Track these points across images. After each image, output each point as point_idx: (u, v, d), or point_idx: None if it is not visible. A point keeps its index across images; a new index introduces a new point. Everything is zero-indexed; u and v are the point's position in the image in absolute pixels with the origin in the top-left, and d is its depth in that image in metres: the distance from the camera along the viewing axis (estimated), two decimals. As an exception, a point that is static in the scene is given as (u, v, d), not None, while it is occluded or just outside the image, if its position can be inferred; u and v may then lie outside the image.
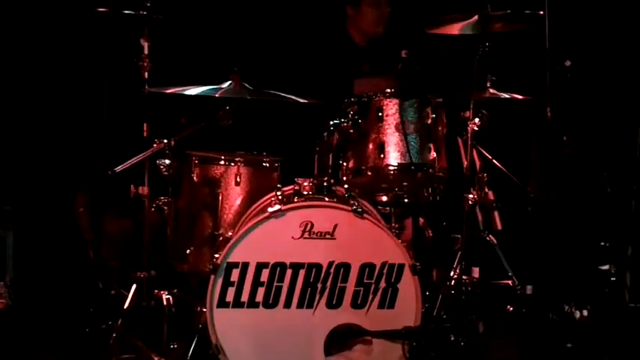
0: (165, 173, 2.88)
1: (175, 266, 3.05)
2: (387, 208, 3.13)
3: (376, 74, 3.52)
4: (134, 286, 3.05)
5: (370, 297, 2.64)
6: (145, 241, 3.12)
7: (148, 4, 3.16)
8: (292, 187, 2.88)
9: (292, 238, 2.66)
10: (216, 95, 2.87)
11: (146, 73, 3.19)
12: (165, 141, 2.89)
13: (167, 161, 2.85)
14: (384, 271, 2.65)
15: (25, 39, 3.54)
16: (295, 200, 2.76)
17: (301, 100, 2.99)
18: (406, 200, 3.11)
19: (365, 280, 2.65)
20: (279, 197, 2.75)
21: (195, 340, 2.78)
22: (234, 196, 3.07)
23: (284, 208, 2.68)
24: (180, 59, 3.56)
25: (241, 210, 3.03)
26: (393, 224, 3.00)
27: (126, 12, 3.15)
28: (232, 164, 3.07)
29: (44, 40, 3.56)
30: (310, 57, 3.57)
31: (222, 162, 3.08)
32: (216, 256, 2.67)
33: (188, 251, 3.06)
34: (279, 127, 3.60)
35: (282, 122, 3.55)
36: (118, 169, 2.82)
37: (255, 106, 3.19)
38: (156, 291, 2.93)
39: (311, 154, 3.13)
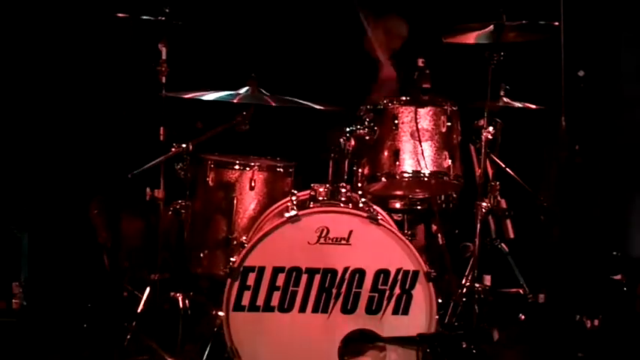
0: (183, 177, 2.91)
1: (189, 269, 3.08)
2: (401, 215, 3.16)
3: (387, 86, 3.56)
4: (148, 289, 3.08)
5: (384, 303, 2.66)
6: (159, 244, 3.15)
7: (167, 10, 3.19)
8: (308, 192, 2.90)
9: (308, 243, 2.68)
10: (235, 101, 2.90)
11: (164, 78, 3.23)
12: (184, 145, 2.92)
13: (185, 165, 2.88)
14: (399, 277, 2.67)
15: (45, 43, 3.57)
16: (311, 206, 2.79)
17: (318, 107, 3.02)
18: (420, 207, 3.13)
19: (379, 286, 2.67)
20: (295, 202, 2.78)
21: (211, 342, 2.80)
22: (248, 201, 3.09)
23: (300, 213, 2.70)
24: (198, 64, 3.59)
25: (256, 214, 3.06)
26: (407, 231, 3.03)
27: (145, 17, 3.19)
28: (247, 169, 3.09)
29: (64, 44, 3.59)
30: (327, 63, 3.60)
31: (237, 166, 3.11)
32: (233, 259, 2.70)
33: (202, 254, 3.08)
34: (294, 133, 3.62)
35: (297, 128, 3.58)
36: (137, 172, 2.84)
37: (270, 112, 3.22)
38: (171, 293, 2.97)
39: (326, 160, 3.16)
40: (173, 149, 2.94)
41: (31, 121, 3.59)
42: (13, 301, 3.17)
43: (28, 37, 3.52)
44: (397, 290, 2.66)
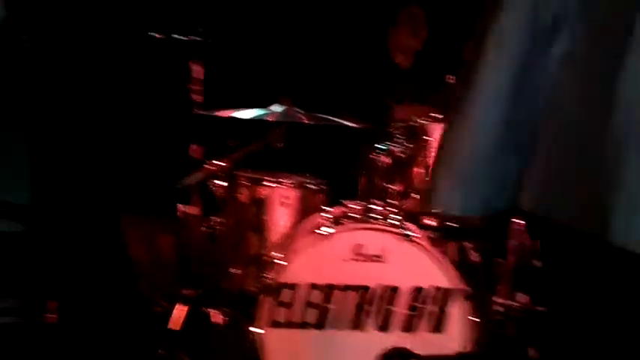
0: (218, 194, 2.93)
1: (221, 285, 3.08)
2: (434, 232, 3.14)
3: (416, 102, 3.57)
4: (180, 304, 3.08)
5: (420, 321, 2.65)
6: (192, 260, 3.17)
7: (200, 30, 3.23)
8: (341, 209, 2.91)
9: (342, 260, 2.68)
10: (270, 119, 2.93)
11: (196, 96, 3.26)
12: (221, 163, 2.94)
13: (221, 182, 2.90)
14: (434, 294, 2.66)
15: (80, 61, 3.63)
16: (345, 222, 2.79)
17: (351, 125, 3.03)
18: (453, 224, 3.12)
19: (414, 304, 2.66)
20: (328, 219, 2.78)
21: (244, 359, 2.80)
22: (280, 217, 3.10)
23: (334, 230, 2.71)
24: (229, 82, 3.63)
25: (288, 231, 3.06)
26: (441, 248, 3.01)
27: (177, 37, 3.23)
28: (278, 185, 3.11)
29: (99, 63, 3.65)
30: (356, 80, 3.62)
31: (268, 183, 3.12)
32: (266, 276, 2.70)
33: (234, 270, 3.09)
34: (325, 149, 3.64)
35: (328, 144, 3.59)
36: (176, 188, 2.87)
37: (301, 128, 3.24)
38: (203, 309, 2.97)
39: (357, 177, 3.17)
40: (207, 166, 2.96)
41: (61, 136, 3.62)
42: (47, 315, 3.19)
43: (63, 55, 3.58)
44: (432, 308, 2.65)
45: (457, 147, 1.55)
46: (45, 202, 3.48)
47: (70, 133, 3.52)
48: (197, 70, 3.27)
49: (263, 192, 3.12)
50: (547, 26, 1.45)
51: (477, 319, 2.67)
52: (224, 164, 2.97)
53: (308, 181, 3.17)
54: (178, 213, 3.20)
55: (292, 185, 3.11)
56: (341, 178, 3.25)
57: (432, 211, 3.01)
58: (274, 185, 3.10)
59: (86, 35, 3.52)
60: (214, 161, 3.00)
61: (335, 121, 3.04)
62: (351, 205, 2.89)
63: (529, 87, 1.48)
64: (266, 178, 3.13)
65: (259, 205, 3.11)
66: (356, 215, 2.84)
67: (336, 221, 2.80)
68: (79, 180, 3.56)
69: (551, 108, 1.47)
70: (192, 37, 3.21)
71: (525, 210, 1.52)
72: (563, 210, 1.46)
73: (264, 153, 3.18)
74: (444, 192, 1.56)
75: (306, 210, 3.09)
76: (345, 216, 2.86)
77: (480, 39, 1.51)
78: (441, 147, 1.59)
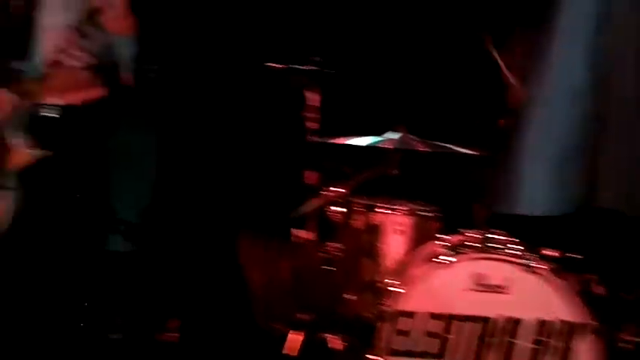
0: (334, 220, 2.97)
1: (337, 310, 3.10)
2: (556, 263, 3.05)
3: None
4: (296, 329, 3.13)
5: (544, 356, 2.57)
6: (306, 285, 3.21)
7: (317, 59, 3.31)
8: (459, 237, 2.87)
9: (462, 289, 2.65)
10: (386, 147, 2.95)
11: (312, 123, 3.33)
12: (338, 189, 2.98)
13: (339, 209, 2.94)
14: (559, 328, 2.57)
15: (201, 90, 3.78)
16: (464, 251, 2.76)
17: (466, 151, 3.00)
18: (576, 255, 3.02)
19: (538, 338, 2.58)
20: (446, 247, 2.76)
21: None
22: (395, 244, 3.10)
23: (454, 258, 2.68)
24: (343, 109, 3.68)
25: (403, 258, 3.05)
26: (563, 279, 2.92)
27: (295, 67, 3.32)
28: (394, 212, 3.11)
29: (218, 91, 3.79)
30: (470, 106, 3.58)
31: (383, 210, 3.13)
32: (384, 303, 2.70)
33: (350, 296, 3.10)
34: (439, 176, 3.61)
35: (443, 171, 3.57)
36: (297, 213, 2.93)
37: (416, 155, 3.23)
38: (319, 334, 3.00)
39: (473, 204, 3.12)
40: (328, 192, 3.00)
41: (183, 160, 3.76)
42: (168, 334, 3.30)
43: (189, 85, 3.73)
44: (557, 343, 2.57)
45: (536, 147, 1.52)
46: (162, 222, 3.63)
47: (192, 158, 3.67)
48: (313, 98, 3.34)
49: (377, 219, 3.13)
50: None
51: (605, 357, 2.56)
52: (341, 191, 3.01)
53: (422, 208, 3.16)
54: (293, 238, 3.26)
55: (406, 212, 3.10)
56: (456, 205, 3.22)
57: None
58: (389, 212, 3.11)
59: (207, 66, 3.67)
60: (331, 188, 3.04)
61: (450, 149, 3.02)
62: (469, 234, 2.85)
63: (601, 81, 1.44)
64: (381, 204, 3.14)
65: (374, 231, 3.12)
66: (475, 244, 2.80)
67: (455, 250, 2.77)
68: (198, 202, 3.69)
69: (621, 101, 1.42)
70: (309, 67, 3.30)
71: (606, 207, 1.47)
72: None
73: (379, 180, 3.20)
74: (524, 192, 1.53)
75: (420, 237, 3.07)
76: (463, 244, 2.82)
77: (546, 38, 1.48)
78: (519, 147, 1.56)
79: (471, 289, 2.64)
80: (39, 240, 2.73)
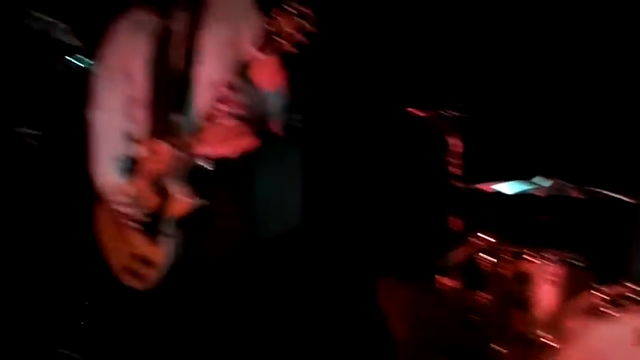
0: (483, 268, 2.90)
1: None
2: None
3: None
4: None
5: None
6: (453, 334, 3.13)
7: (459, 105, 3.29)
8: (618, 289, 2.72)
9: (626, 346, 2.49)
10: (539, 194, 2.86)
11: (455, 169, 3.30)
12: (486, 237, 2.92)
13: (487, 257, 2.87)
14: None
15: (344, 139, 3.85)
16: (627, 304, 2.60)
17: (625, 199, 2.86)
18: None
19: None
20: (608, 300, 2.61)
21: None
22: (548, 295, 2.98)
23: (616, 312, 2.53)
24: (486, 153, 3.63)
25: (556, 310, 2.92)
26: None
27: (438, 112, 3.31)
28: (545, 261, 2.99)
29: (361, 139, 3.85)
30: (623, 149, 3.43)
31: (534, 259, 3.02)
32: (538, 357, 2.59)
33: (501, 348, 3.00)
34: (592, 223, 3.46)
35: (595, 218, 3.41)
36: (445, 261, 2.90)
37: (566, 201, 3.11)
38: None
39: (627, 254, 2.95)
40: (477, 241, 2.94)
41: (332, 202, 3.79)
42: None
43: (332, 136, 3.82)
44: None
45: None
46: (307, 267, 3.68)
47: (337, 203, 3.72)
48: (455, 144, 3.31)
49: (527, 267, 3.02)
50: None
51: None
52: (491, 239, 2.94)
53: (574, 257, 3.02)
54: (438, 285, 3.21)
55: (557, 261, 2.97)
56: (609, 255, 3.05)
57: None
58: (538, 261, 2.99)
59: (352, 113, 3.74)
60: (478, 234, 2.98)
61: (608, 195, 2.88)
62: (630, 285, 2.69)
63: None
64: (530, 252, 3.03)
65: (524, 280, 3.01)
66: (637, 297, 2.63)
67: (614, 302, 2.61)
68: (343, 248, 3.72)
69: None
70: (452, 112, 3.28)
71: None
72: None
73: (528, 227, 3.10)
74: None
75: (574, 288, 2.93)
76: (624, 297, 2.66)
77: None
78: None
79: (638, 346, 2.48)
80: (195, 286, 2.83)
